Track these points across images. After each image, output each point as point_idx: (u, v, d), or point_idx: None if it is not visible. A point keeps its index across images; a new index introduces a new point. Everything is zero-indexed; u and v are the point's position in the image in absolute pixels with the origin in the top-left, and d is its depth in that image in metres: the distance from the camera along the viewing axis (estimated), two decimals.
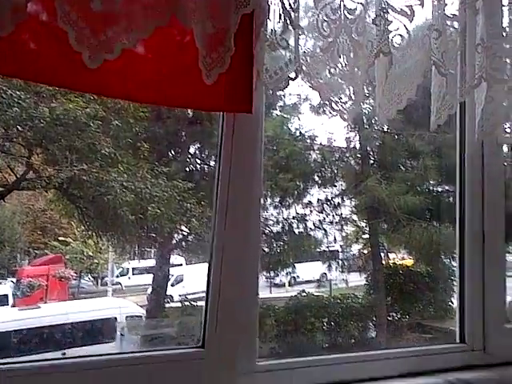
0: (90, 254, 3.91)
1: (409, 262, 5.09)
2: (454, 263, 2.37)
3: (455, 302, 2.37)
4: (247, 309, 1.80)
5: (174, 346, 3.96)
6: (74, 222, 3.71)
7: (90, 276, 4.18)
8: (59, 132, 3.03)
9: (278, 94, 4.34)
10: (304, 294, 4.71)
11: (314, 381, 1.92)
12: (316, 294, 4.85)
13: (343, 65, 1.49)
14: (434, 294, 4.85)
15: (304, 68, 1.42)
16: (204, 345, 1.73)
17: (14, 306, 3.77)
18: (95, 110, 3.02)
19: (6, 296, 3.74)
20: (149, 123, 3.29)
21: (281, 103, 4.53)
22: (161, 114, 3.45)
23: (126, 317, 3.89)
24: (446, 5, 1.60)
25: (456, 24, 1.67)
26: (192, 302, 4.14)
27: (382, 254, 5.04)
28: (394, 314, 4.88)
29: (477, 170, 2.30)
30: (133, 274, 4.36)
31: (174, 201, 3.37)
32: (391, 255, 5.16)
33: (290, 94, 4.50)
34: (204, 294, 1.80)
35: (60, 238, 3.81)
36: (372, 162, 4.99)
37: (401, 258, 5.15)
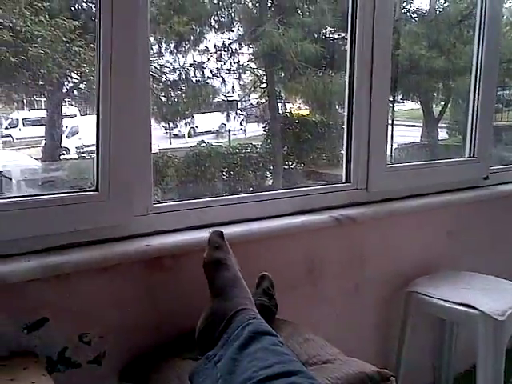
0: None
1: (305, 111, 5.20)
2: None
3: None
4: (141, 153, 1.81)
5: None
6: None
7: None
8: None
9: None
10: (203, 144, 4.75)
11: (209, 221, 2.01)
12: (215, 144, 4.90)
13: None
14: (327, 142, 5.02)
15: None
16: (98, 188, 1.74)
17: None
18: None
19: None
20: None
21: None
22: None
23: (21, 170, 3.77)
24: None
25: None
26: (90, 154, 4.07)
27: (279, 104, 5.09)
28: (290, 163, 5.06)
29: (368, 15, 2.31)
30: (24, 126, 4.16)
31: (59, 42, 3.11)
32: (288, 105, 5.22)
33: None
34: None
35: None
36: (270, 5, 4.82)
37: (297, 107, 5.24)
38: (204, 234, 1.86)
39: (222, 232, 1.73)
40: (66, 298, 1.70)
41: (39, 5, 3.02)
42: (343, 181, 2.52)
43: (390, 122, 2.64)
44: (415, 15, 4.98)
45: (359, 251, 2.47)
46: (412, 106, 5.49)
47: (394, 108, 4.42)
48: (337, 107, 4.71)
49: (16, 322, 1.62)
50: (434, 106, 5.66)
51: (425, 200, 2.70)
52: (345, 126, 2.45)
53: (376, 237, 2.52)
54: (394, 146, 4.72)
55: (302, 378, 1.25)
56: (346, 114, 2.43)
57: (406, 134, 5.28)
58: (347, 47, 2.39)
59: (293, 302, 2.11)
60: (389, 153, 3.64)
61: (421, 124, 5.48)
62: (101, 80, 1.66)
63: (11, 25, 2.84)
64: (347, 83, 2.42)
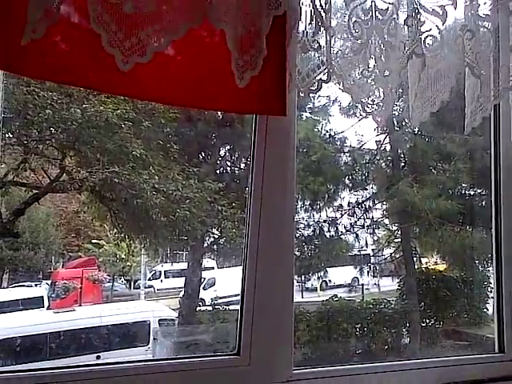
0: (123, 256, 3.95)
1: (441, 266, 5.01)
2: (489, 268, 2.32)
3: (490, 309, 2.30)
4: (282, 315, 1.79)
5: (209, 352, 3.97)
6: (106, 225, 3.75)
7: (122, 279, 4.22)
8: (91, 134, 3.07)
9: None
10: (336, 298, 4.67)
11: None
12: (348, 298, 4.81)
13: (374, 66, 1.48)
14: (468, 299, 4.75)
15: (335, 70, 1.42)
16: (239, 352, 1.72)
17: (49, 308, 3.83)
18: (126, 111, 3.05)
19: (41, 298, 3.81)
20: (179, 124, 3.31)
21: (310, 105, 4.53)
22: (191, 116, 3.46)
23: (159, 320, 3.91)
24: (479, 5, 1.57)
25: (489, 24, 1.63)
26: (224, 306, 4.15)
27: (415, 259, 4.97)
28: (428, 320, 4.79)
29: None
30: (165, 277, 4.39)
31: (204, 202, 3.38)
32: (423, 260, 5.09)
33: (319, 96, 4.52)
34: (236, 298, 1.79)
35: (93, 241, 3.86)
36: (403, 164, 4.94)
37: (433, 262, 5.07)
38: None
39: None
40: None
41: (190, 170, 3.36)
42: (496, 350, 2.26)
43: None
44: None
45: None
46: None
47: None
48: (477, 263, 4.52)
49: None
50: None
51: None
52: (494, 289, 2.26)
53: None
54: None
55: None
56: (494, 274, 2.27)
57: None
58: (492, 205, 2.30)
59: None
60: None
61: None
62: (249, 236, 1.71)
63: (165, 189, 3.16)
64: (493, 240, 2.28)
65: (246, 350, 1.70)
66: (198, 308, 4.31)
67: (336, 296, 4.68)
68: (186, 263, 4.26)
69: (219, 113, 3.60)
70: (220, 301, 4.21)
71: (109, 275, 4.03)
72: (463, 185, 4.68)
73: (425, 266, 5.05)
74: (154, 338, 3.79)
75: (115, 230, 3.67)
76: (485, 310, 4.53)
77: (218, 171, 3.97)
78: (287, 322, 1.80)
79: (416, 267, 4.96)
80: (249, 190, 1.71)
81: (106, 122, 3.01)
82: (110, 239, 3.84)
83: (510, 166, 2.25)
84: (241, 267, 1.77)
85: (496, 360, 2.18)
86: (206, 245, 4.11)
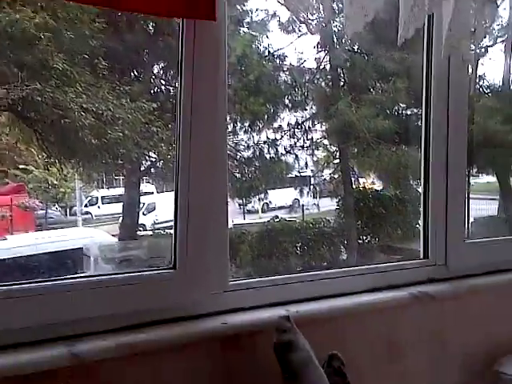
0: (55, 182, 3.78)
1: (378, 186, 5.16)
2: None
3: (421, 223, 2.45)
4: (217, 231, 1.81)
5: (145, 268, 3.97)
6: (33, 149, 3.55)
7: (57, 206, 4.08)
8: (7, 46, 2.80)
9: (244, 8, 4.20)
10: (277, 219, 4.75)
11: (285, 298, 1.97)
12: (289, 219, 4.90)
13: None
14: (402, 216, 4.91)
15: None
16: (175, 266, 1.74)
17: None
18: (44, 19, 2.78)
19: None
20: (106, 37, 3.07)
21: (248, 19, 4.36)
22: (119, 28, 3.23)
23: (99, 246, 3.87)
24: None
25: None
26: (166, 230, 4.14)
27: (353, 179, 5.07)
28: (364, 237, 4.97)
29: (442, 91, 2.29)
30: (102, 203, 4.29)
31: (138, 123, 3.23)
32: (361, 180, 5.20)
33: (256, 10, 4.37)
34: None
35: (20, 166, 3.64)
36: (342, 84, 4.92)
37: (371, 182, 5.20)
38: (281, 311, 1.81)
39: (288, 316, 1.71)
40: (140, 376, 1.67)
41: (121, 89, 3.18)
42: (421, 257, 2.42)
43: (466, 195, 2.56)
44: (488, 91, 4.94)
45: (439, 330, 2.32)
46: (489, 179, 5.32)
47: (469, 182, 4.31)
48: (411, 181, 4.65)
49: None
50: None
51: (507, 276, 2.53)
52: (421, 202, 2.39)
53: (456, 314, 2.36)
54: (471, 220, 4.57)
55: None
56: (422, 189, 2.38)
57: (483, 207, 5.12)
58: (422, 123, 2.36)
59: (367, 382, 2.00)
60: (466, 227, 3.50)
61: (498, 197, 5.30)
62: (180, 158, 1.68)
63: (94, 109, 2.99)
64: (422, 158, 2.37)
65: (181, 264, 1.71)
66: (140, 233, 4.29)
67: (277, 217, 4.76)
68: (123, 188, 4.16)
69: (150, 25, 3.41)
70: (162, 225, 4.19)
71: (41, 202, 3.88)
72: (401, 105, 4.73)
73: (362, 185, 5.17)
74: (95, 262, 3.76)
75: (44, 155, 3.47)
76: (417, 225, 4.70)
77: (151, 91, 3.81)
78: (222, 236, 1.82)
79: (354, 187, 5.07)
80: (178, 107, 1.66)
81: (22, 33, 2.75)
82: (40, 164, 3.64)
83: (440, 86, 2.28)
84: None
85: (421, 265, 2.35)
86: (142, 168, 4.01)
